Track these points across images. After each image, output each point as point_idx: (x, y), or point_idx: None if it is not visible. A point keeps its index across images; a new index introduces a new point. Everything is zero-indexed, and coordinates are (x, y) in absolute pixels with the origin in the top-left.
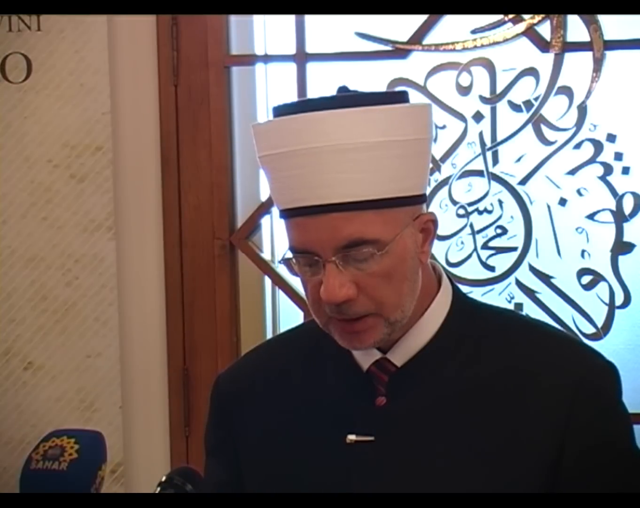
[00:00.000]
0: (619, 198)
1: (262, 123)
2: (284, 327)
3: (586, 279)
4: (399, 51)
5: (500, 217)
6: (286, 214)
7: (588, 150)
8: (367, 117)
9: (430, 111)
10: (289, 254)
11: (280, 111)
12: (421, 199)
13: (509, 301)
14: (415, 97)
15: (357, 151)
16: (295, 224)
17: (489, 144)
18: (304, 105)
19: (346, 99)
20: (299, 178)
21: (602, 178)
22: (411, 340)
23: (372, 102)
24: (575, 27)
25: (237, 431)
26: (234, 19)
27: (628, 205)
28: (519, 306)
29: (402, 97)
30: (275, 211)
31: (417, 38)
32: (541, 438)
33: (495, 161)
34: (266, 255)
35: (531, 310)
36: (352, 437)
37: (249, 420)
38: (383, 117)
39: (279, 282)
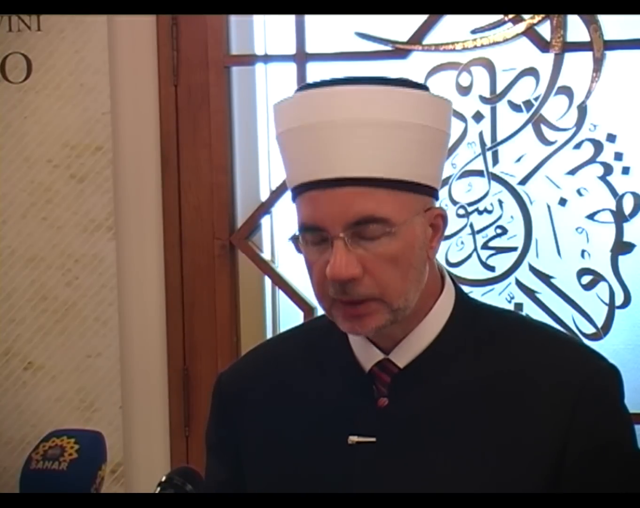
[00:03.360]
0: (619, 198)
1: (282, 100)
2: (284, 327)
3: (586, 279)
4: (399, 51)
5: (500, 217)
6: (300, 190)
7: (588, 150)
8: (389, 96)
9: (451, 108)
10: (298, 233)
11: (302, 88)
12: (434, 192)
13: (509, 301)
14: None
15: (377, 127)
16: (308, 199)
17: (489, 144)
18: (326, 82)
19: (369, 78)
20: (316, 152)
21: (602, 178)
22: (414, 341)
23: (395, 84)
24: (575, 27)
25: (238, 430)
26: (234, 19)
27: (628, 205)
28: (519, 306)
29: (424, 87)
30: (275, 211)
31: (417, 38)
32: (543, 440)
33: (495, 161)
34: (266, 255)
35: (531, 310)
36: (353, 438)
37: (250, 419)
38: (405, 99)
39: (279, 282)
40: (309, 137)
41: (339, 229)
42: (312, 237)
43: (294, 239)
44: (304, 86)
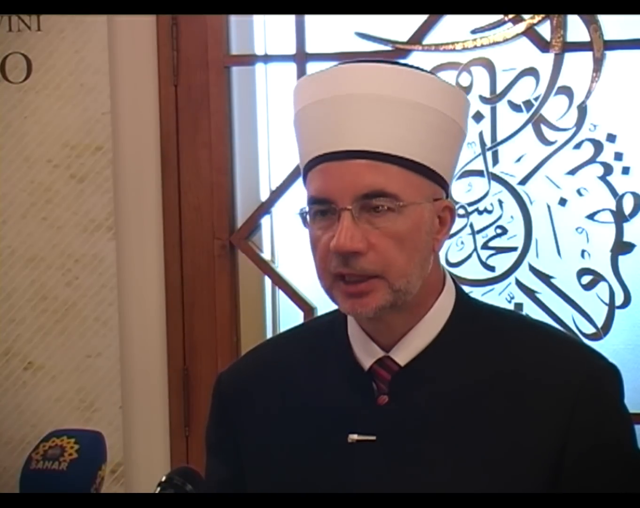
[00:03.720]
0: (619, 198)
1: (300, 80)
2: (284, 327)
3: (586, 279)
4: (399, 51)
5: (500, 217)
6: (312, 164)
7: (588, 150)
8: (410, 77)
9: (467, 103)
10: (306, 208)
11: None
12: (444, 184)
13: (509, 301)
14: None
15: (397, 103)
16: (320, 171)
17: (489, 144)
18: (346, 61)
19: (390, 60)
20: (331, 125)
21: (602, 178)
22: (414, 338)
23: (415, 68)
24: (575, 27)
25: (238, 430)
26: (234, 19)
27: (628, 205)
28: (519, 306)
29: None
30: (275, 211)
31: (417, 38)
32: (543, 439)
33: (495, 161)
34: (266, 255)
35: (531, 310)
36: (353, 436)
37: (250, 418)
38: (425, 82)
39: (279, 282)
40: (325, 110)
41: (347, 201)
42: (320, 209)
43: (301, 214)
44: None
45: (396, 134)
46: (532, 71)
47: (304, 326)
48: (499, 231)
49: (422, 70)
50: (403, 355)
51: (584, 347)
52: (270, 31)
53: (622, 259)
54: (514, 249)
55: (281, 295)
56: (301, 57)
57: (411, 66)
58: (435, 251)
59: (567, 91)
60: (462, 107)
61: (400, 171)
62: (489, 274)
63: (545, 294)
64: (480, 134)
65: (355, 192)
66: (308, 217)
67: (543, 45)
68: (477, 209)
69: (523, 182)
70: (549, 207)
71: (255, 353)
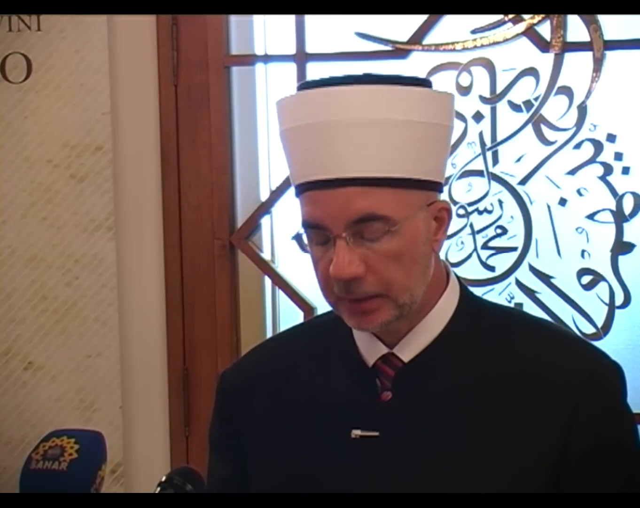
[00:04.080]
0: (619, 198)
1: (285, 97)
2: (284, 327)
3: (586, 279)
4: (399, 51)
5: (500, 217)
6: (301, 188)
7: (588, 150)
8: (390, 95)
9: (453, 101)
10: (301, 231)
11: (305, 86)
12: (437, 186)
13: (509, 301)
14: None
15: (378, 126)
16: (310, 198)
17: (489, 144)
18: (328, 80)
19: (370, 76)
20: (318, 151)
21: (602, 178)
22: (418, 335)
23: (395, 82)
24: (575, 27)
25: (241, 427)
26: (234, 19)
27: (628, 205)
28: (519, 306)
29: (425, 83)
30: (275, 211)
31: (417, 38)
32: (545, 436)
33: (495, 161)
34: (266, 255)
35: (531, 310)
36: (357, 432)
37: (253, 415)
38: (406, 97)
39: (279, 282)
40: (309, 136)
41: (340, 229)
42: (315, 235)
43: (297, 238)
44: (305, 83)
45: (384, 157)
46: (532, 71)
47: (306, 324)
48: (499, 231)
49: (407, 80)
50: (407, 351)
51: (587, 345)
52: (270, 31)
53: (622, 259)
54: (514, 249)
55: (281, 295)
56: (301, 57)
57: (396, 79)
58: (435, 251)
59: (567, 91)
60: (448, 107)
61: (391, 192)
62: (489, 274)
63: (545, 294)
64: (480, 134)
65: (346, 219)
66: (305, 238)
67: (543, 45)
68: (477, 209)
69: (523, 182)
70: (549, 207)
71: (258, 351)
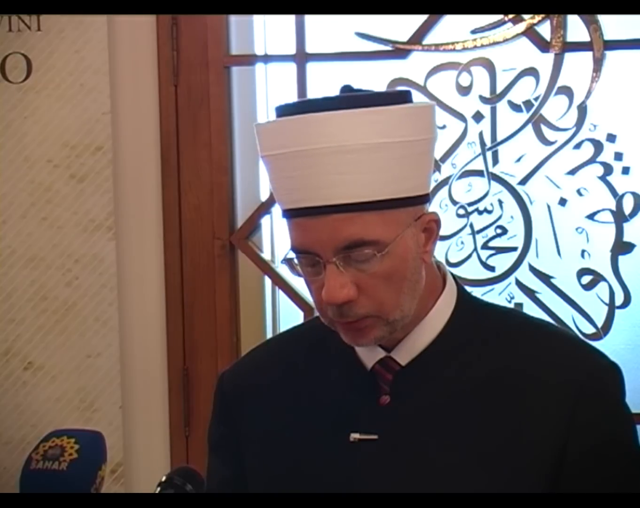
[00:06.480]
0: (619, 198)
1: (264, 123)
2: (284, 327)
3: (586, 279)
4: (399, 51)
5: (500, 217)
6: (288, 214)
7: (588, 150)
8: (369, 119)
9: (434, 111)
10: (291, 255)
11: (283, 110)
12: (423, 199)
13: (509, 301)
14: (415, 97)
15: (359, 152)
16: (297, 225)
17: (489, 144)
18: (306, 105)
19: (348, 100)
20: (300, 179)
21: (602, 178)
22: (416, 338)
23: (374, 103)
24: (575, 27)
25: (240, 429)
26: (234, 19)
27: (628, 205)
28: (519, 306)
29: (404, 98)
30: (275, 211)
31: (417, 38)
32: (544, 437)
33: (495, 161)
34: (266, 255)
35: (531, 310)
36: (355, 436)
37: (252, 417)
38: (384, 119)
39: (279, 282)
40: (291, 164)
41: (330, 254)
42: (305, 259)
43: (287, 262)
44: (284, 107)
45: (368, 181)
46: (532, 71)
47: (305, 325)
48: (499, 231)
49: (386, 97)
50: (404, 354)
51: (586, 345)
52: (270, 31)
53: (622, 259)
54: (514, 249)
55: (281, 295)
56: (301, 57)
57: (374, 97)
58: (427, 262)
59: (567, 91)
60: (429, 120)
61: (377, 214)
62: (489, 274)
63: (545, 294)
64: (480, 134)
65: (335, 245)
66: (296, 262)
67: (543, 45)
68: (477, 209)
69: (523, 182)
70: (549, 207)
71: (257, 352)
